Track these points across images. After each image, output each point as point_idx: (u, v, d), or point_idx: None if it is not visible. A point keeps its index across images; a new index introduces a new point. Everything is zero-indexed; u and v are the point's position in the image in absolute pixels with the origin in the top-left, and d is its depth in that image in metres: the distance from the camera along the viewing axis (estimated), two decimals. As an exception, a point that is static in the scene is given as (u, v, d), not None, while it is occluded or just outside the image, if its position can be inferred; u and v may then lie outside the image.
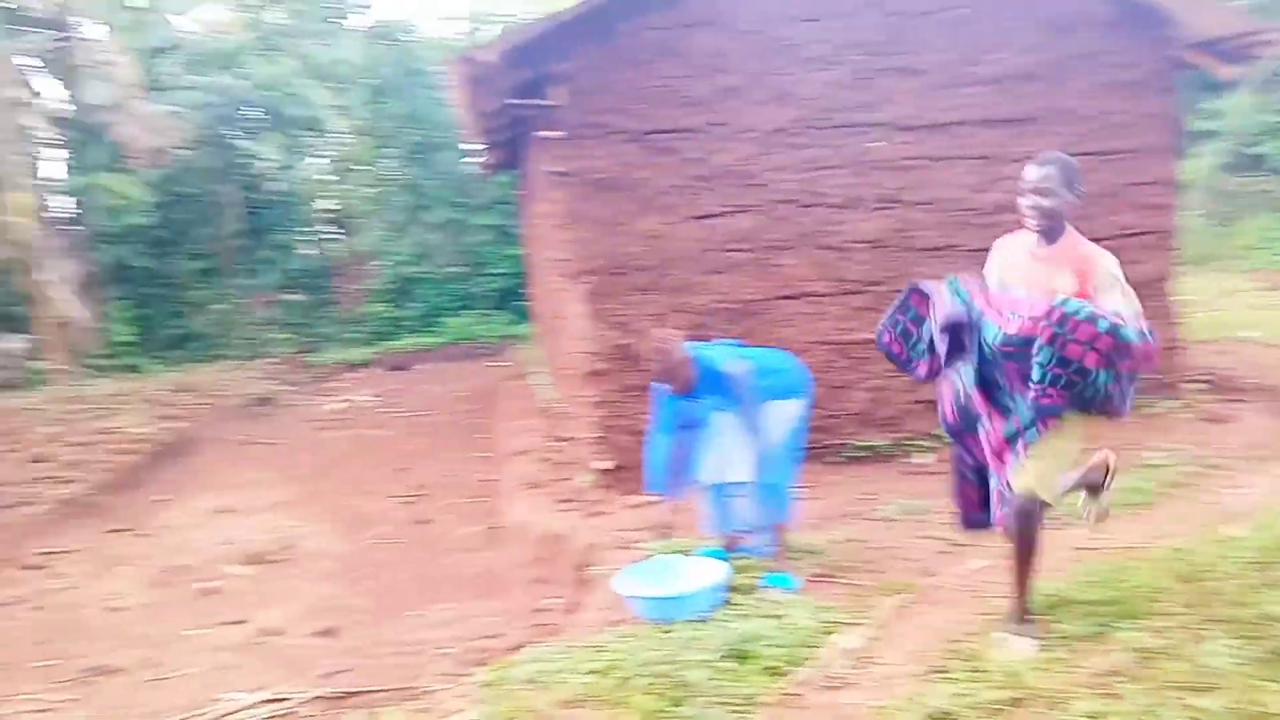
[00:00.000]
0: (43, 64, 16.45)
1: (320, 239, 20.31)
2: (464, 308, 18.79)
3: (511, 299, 18.40)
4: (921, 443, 6.58)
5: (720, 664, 3.41)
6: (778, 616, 3.80)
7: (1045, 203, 3.25)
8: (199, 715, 3.93)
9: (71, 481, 8.23)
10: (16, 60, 15.40)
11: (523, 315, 17.13)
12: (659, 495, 4.59)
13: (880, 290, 6.57)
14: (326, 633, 5.09)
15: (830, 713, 3.06)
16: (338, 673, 4.36)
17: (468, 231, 19.41)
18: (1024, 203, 3.30)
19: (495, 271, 18.90)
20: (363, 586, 5.91)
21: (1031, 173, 3.29)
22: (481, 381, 13.74)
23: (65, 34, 15.39)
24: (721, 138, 6.40)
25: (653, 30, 6.29)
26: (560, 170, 6.25)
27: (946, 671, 3.15)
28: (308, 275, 18.79)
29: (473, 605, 5.39)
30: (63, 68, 16.17)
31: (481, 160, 10.85)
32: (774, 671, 3.35)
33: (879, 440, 6.67)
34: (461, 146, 18.05)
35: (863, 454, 6.60)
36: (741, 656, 3.45)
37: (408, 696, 3.84)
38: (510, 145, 9.63)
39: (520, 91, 6.34)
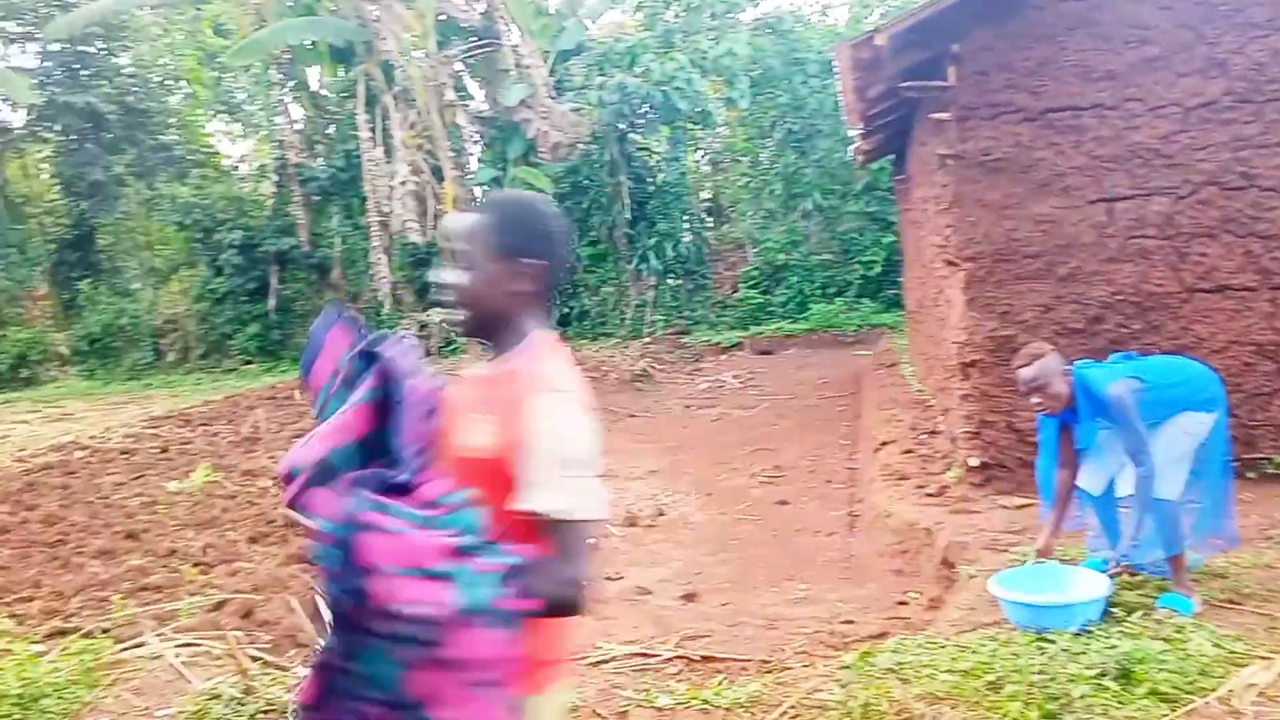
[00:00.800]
0: (468, 68, 18.66)
1: (699, 227, 21.20)
2: (833, 295, 18.74)
3: (881, 287, 18.07)
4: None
5: (1102, 681, 3.14)
6: (1171, 640, 3.43)
7: (458, 279, 1.79)
8: (580, 659, 4.27)
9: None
10: (451, 66, 17.60)
11: (891, 304, 16.78)
12: (1047, 520, 4.29)
13: (1322, 287, 5.69)
14: (689, 597, 5.31)
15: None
16: (698, 636, 4.53)
17: (840, 219, 19.33)
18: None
19: (866, 259, 18.66)
20: (723, 557, 6.10)
21: (446, 224, 1.94)
22: (847, 368, 13.63)
23: (489, 41, 17.31)
24: (1136, 114, 5.81)
25: (1066, 2, 5.85)
26: (949, 152, 6.01)
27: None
28: (686, 261, 19.69)
29: (830, 588, 5.37)
30: (485, 71, 18.23)
31: (860, 146, 10.72)
32: (1163, 697, 3.03)
33: (1310, 458, 5.77)
34: (839, 134, 17.99)
35: (1287, 472, 5.75)
36: (1127, 677, 3.16)
37: (766, 669, 3.90)
38: (893, 129, 9.44)
39: (909, 74, 6.18)
